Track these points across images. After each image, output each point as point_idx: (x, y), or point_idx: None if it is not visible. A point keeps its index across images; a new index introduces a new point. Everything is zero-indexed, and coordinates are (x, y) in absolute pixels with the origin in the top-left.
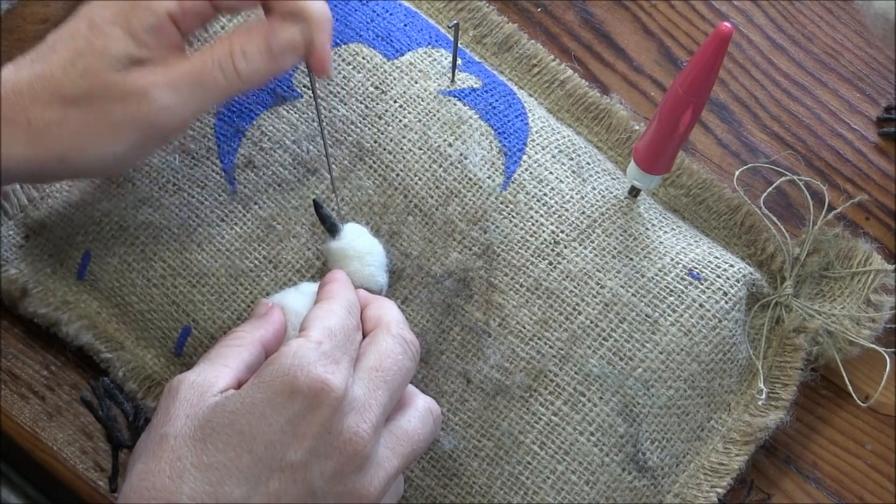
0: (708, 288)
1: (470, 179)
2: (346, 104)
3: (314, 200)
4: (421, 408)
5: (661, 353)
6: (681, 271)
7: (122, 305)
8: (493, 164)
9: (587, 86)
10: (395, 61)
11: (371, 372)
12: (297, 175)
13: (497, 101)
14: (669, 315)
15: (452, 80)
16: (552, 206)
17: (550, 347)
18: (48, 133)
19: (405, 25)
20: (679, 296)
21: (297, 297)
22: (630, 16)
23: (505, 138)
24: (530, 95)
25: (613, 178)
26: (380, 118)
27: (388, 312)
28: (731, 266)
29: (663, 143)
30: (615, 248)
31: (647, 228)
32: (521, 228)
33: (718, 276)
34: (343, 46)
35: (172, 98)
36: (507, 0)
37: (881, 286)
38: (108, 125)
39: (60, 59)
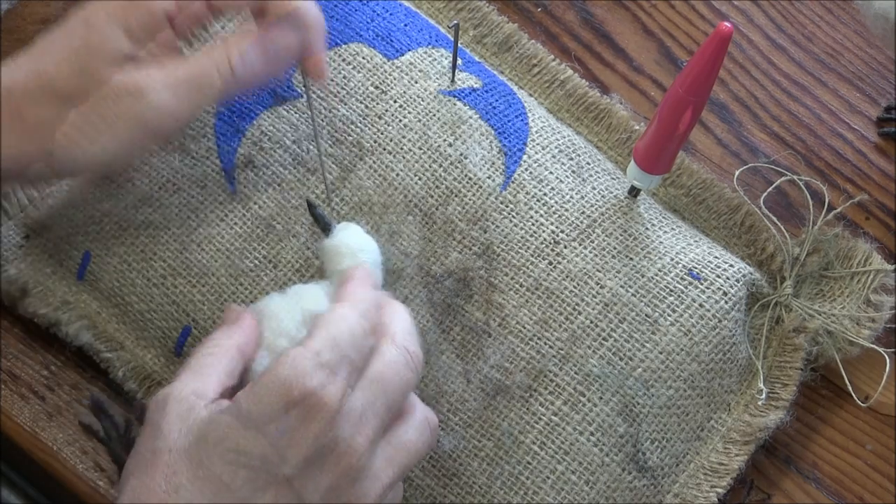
0: (708, 288)
1: (470, 179)
2: (346, 104)
3: (307, 200)
4: (419, 419)
5: (660, 353)
6: (681, 271)
7: (122, 305)
8: (493, 163)
9: (587, 86)
10: (395, 61)
11: (371, 383)
12: (297, 175)
13: (497, 100)
14: (669, 315)
15: (452, 80)
16: (552, 206)
17: (550, 347)
18: (42, 130)
19: (405, 25)
20: (679, 296)
21: (281, 302)
22: (630, 16)
23: (505, 138)
24: (530, 95)
25: (613, 178)
26: (380, 118)
27: (395, 320)
28: (731, 266)
29: (663, 143)
30: (615, 248)
31: (646, 228)
32: (521, 228)
33: (718, 276)
34: (343, 46)
35: (168, 97)
36: (507, 0)
37: (881, 286)
38: (102, 122)
39: (55, 58)
